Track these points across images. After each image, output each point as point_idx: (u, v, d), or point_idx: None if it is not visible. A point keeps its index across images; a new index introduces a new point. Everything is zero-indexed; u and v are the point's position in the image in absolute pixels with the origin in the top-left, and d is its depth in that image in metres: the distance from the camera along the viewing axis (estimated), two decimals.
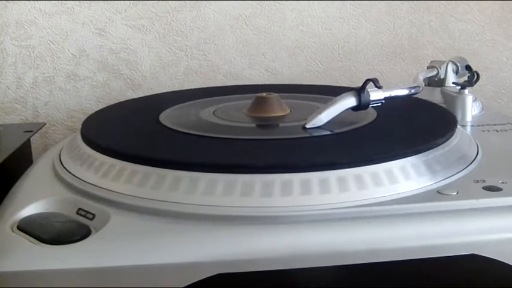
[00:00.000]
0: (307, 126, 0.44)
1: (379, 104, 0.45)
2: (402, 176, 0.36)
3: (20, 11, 0.68)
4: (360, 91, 0.44)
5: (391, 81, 0.75)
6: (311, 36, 0.74)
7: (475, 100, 0.56)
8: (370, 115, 0.47)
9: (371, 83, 0.44)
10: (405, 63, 0.76)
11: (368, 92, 0.44)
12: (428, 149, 0.39)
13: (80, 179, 0.39)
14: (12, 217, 0.35)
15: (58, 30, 0.69)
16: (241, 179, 0.35)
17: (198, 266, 0.31)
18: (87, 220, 0.35)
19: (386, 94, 0.45)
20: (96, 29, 0.70)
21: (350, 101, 0.44)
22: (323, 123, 0.44)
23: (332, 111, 0.44)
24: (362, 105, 0.44)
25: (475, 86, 0.56)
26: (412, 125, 0.46)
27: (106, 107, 0.56)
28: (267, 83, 0.73)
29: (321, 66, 0.75)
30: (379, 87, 0.45)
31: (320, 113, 0.44)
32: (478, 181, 0.37)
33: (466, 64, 0.60)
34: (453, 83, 0.58)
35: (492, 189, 0.36)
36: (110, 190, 0.36)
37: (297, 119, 0.47)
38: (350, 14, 0.74)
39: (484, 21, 0.76)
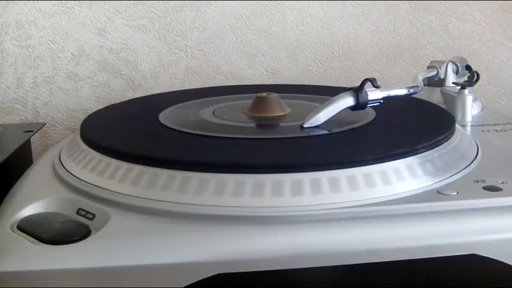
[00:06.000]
0: (305, 125, 0.44)
1: (378, 103, 0.45)
2: (402, 176, 0.36)
3: (20, 11, 0.68)
4: (357, 91, 0.44)
5: (391, 81, 0.75)
6: (311, 36, 0.74)
7: (475, 100, 0.56)
8: (369, 115, 0.47)
9: (369, 82, 0.44)
10: (405, 63, 0.76)
11: (366, 92, 0.44)
12: (428, 149, 0.39)
13: (80, 179, 0.39)
14: (12, 217, 0.35)
15: (58, 30, 0.69)
16: (241, 179, 0.35)
17: (198, 266, 0.31)
18: (87, 220, 0.34)
19: (385, 94, 0.45)
20: (96, 29, 0.70)
21: (348, 101, 0.44)
22: (321, 122, 0.44)
23: (330, 111, 0.44)
24: (360, 105, 0.44)
25: (475, 86, 0.56)
26: (411, 125, 0.46)
27: (106, 107, 0.56)
28: (267, 83, 0.73)
29: (321, 66, 0.75)
30: (377, 87, 0.45)
31: (318, 112, 0.44)
32: (478, 181, 0.37)
33: (466, 64, 0.60)
34: (453, 83, 0.58)
35: (492, 189, 0.35)
36: (109, 190, 0.36)
37: (296, 119, 0.46)
38: (350, 14, 0.74)
39: (484, 21, 0.76)
